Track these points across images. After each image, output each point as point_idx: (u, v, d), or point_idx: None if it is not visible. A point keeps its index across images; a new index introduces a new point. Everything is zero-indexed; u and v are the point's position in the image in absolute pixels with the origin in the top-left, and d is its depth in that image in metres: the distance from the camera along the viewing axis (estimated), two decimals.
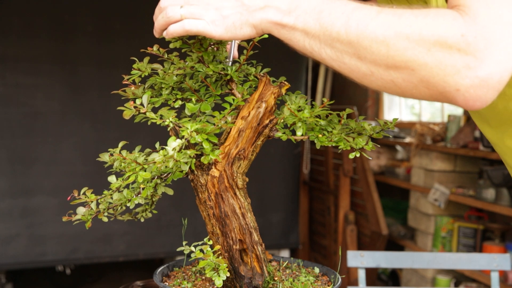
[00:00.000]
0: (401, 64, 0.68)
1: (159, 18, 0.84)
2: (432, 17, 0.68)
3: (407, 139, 3.88)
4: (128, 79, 0.95)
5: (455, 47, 0.66)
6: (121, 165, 0.90)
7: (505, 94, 0.86)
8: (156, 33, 0.87)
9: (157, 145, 0.89)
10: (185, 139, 0.82)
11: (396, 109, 4.47)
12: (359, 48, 0.71)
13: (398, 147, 4.18)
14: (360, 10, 0.71)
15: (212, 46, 0.93)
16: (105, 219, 0.95)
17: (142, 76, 0.95)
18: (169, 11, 0.81)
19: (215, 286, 0.87)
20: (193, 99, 0.96)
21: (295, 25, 0.76)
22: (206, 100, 0.97)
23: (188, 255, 0.97)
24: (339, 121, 0.98)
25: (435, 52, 0.66)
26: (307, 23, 0.75)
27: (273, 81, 0.95)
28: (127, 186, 0.93)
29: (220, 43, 0.94)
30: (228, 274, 0.88)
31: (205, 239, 0.93)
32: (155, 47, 0.93)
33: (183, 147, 0.85)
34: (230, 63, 0.97)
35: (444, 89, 0.67)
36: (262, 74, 0.93)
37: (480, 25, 0.65)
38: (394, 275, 3.95)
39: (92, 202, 0.92)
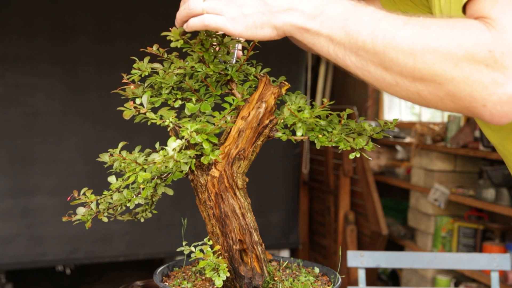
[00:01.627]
0: (427, 77, 0.68)
1: (181, 9, 0.83)
2: (459, 30, 0.67)
3: (407, 139, 3.88)
4: (128, 79, 0.95)
5: (483, 63, 0.65)
6: (121, 166, 0.90)
7: None
8: (177, 23, 0.86)
9: (157, 145, 0.89)
10: (185, 139, 0.82)
11: (396, 109, 4.47)
12: (385, 59, 0.70)
13: (398, 147, 4.18)
14: (387, 20, 0.70)
15: (214, 46, 0.93)
16: (105, 219, 0.95)
17: (142, 75, 0.95)
18: (191, 3, 0.81)
19: (215, 286, 0.87)
20: (193, 99, 0.96)
21: (319, 30, 0.75)
22: (206, 100, 0.97)
23: (188, 255, 0.97)
24: (339, 121, 0.98)
25: (463, 67, 0.66)
26: (332, 29, 0.74)
27: (273, 81, 0.95)
28: (127, 186, 0.93)
29: (222, 43, 0.93)
30: (228, 274, 0.88)
31: (205, 239, 0.93)
32: (154, 47, 0.93)
33: (183, 148, 0.84)
34: (234, 61, 0.97)
35: (471, 104, 0.67)
36: (262, 74, 0.93)
37: (507, 40, 0.65)
38: (394, 275, 3.95)
39: (92, 202, 0.92)
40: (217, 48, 0.94)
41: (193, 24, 0.82)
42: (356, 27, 0.72)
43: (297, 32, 0.77)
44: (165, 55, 0.94)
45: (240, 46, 0.99)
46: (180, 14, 0.84)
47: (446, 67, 0.66)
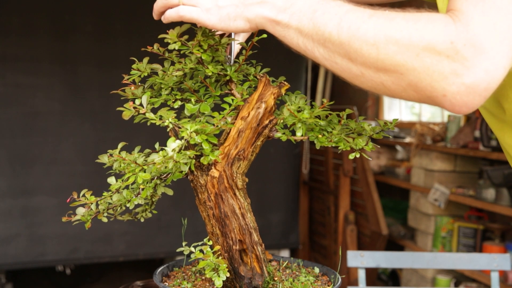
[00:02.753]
0: (390, 68, 0.70)
1: (158, 0, 0.85)
2: (423, 22, 0.68)
3: (407, 139, 3.88)
4: (127, 79, 0.95)
5: (443, 54, 0.66)
6: (120, 166, 0.90)
7: (508, 96, 0.86)
8: (154, 14, 0.89)
9: (156, 145, 0.89)
10: (185, 139, 0.82)
11: (396, 109, 4.47)
12: (350, 49, 0.72)
13: (398, 147, 4.18)
14: (353, 13, 0.72)
15: (212, 48, 0.93)
16: (105, 220, 0.95)
17: (142, 76, 0.95)
18: None
19: (215, 287, 0.87)
20: (193, 100, 0.96)
21: (289, 22, 0.77)
22: (206, 101, 0.97)
23: (188, 255, 0.97)
24: (339, 121, 0.98)
25: (424, 58, 0.67)
26: (301, 21, 0.76)
27: (273, 81, 0.95)
28: (126, 187, 0.93)
29: (220, 44, 0.93)
30: (228, 275, 0.88)
31: (205, 240, 0.93)
32: (155, 46, 0.93)
33: (183, 148, 0.85)
34: (232, 61, 0.97)
35: (432, 93, 0.69)
36: (261, 75, 0.93)
37: (471, 33, 0.66)
38: (394, 275, 3.95)
39: (91, 203, 0.92)
40: (215, 49, 0.94)
41: (169, 15, 0.85)
42: (323, 19, 0.74)
43: (269, 24, 0.79)
44: (166, 54, 0.94)
45: (236, 46, 0.99)
46: (157, 5, 0.86)
47: (408, 58, 0.68)
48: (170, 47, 0.89)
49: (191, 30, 0.89)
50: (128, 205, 0.92)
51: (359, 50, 0.71)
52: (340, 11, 0.73)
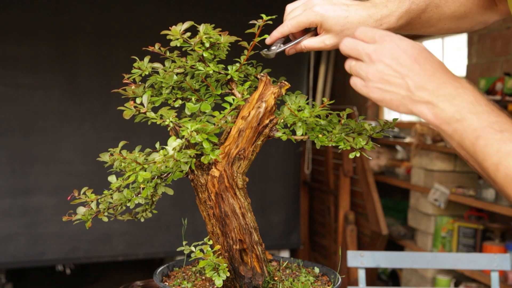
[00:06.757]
0: None
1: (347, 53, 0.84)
2: None
3: (407, 139, 3.88)
4: (128, 78, 0.95)
5: None
6: (121, 165, 0.89)
7: None
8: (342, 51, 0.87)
9: (157, 145, 0.89)
10: (185, 139, 0.82)
11: None
12: (502, 190, 0.72)
13: (398, 147, 4.18)
14: None
15: (214, 46, 0.93)
16: (105, 219, 0.95)
17: (143, 75, 0.95)
18: (346, 62, 0.83)
19: (215, 286, 0.87)
20: (193, 99, 0.96)
21: (451, 137, 0.76)
22: (206, 100, 0.97)
23: (188, 255, 0.97)
24: (339, 121, 0.98)
25: None
26: (463, 140, 0.75)
27: (273, 81, 0.95)
28: (127, 186, 0.93)
29: (221, 43, 0.93)
30: (228, 274, 0.88)
31: (205, 239, 0.93)
32: (156, 46, 0.92)
33: (183, 147, 0.84)
34: (276, 49, 0.97)
35: None
36: (262, 74, 0.93)
37: None
38: (394, 275, 3.95)
39: (92, 202, 0.92)
40: (217, 48, 0.94)
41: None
42: (483, 152, 0.73)
43: (432, 124, 0.78)
44: (168, 53, 0.94)
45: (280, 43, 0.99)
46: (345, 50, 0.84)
47: None
48: (172, 43, 0.89)
49: (193, 27, 0.89)
50: (128, 204, 0.92)
51: (509, 196, 0.71)
52: (502, 150, 0.71)
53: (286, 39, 0.99)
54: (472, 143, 0.73)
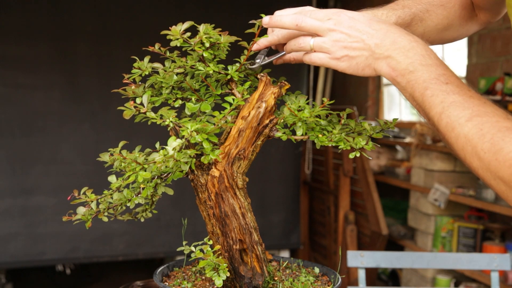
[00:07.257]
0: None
1: (292, 43, 0.91)
2: None
3: (407, 139, 3.88)
4: (128, 78, 0.94)
5: None
6: (121, 165, 0.89)
7: None
8: (286, 51, 0.94)
9: (157, 145, 0.89)
10: (185, 139, 0.82)
11: (396, 109, 4.47)
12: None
13: (398, 147, 4.18)
14: (455, 108, 0.74)
15: (214, 46, 0.93)
16: (105, 219, 0.95)
17: (143, 75, 0.95)
18: (301, 41, 0.89)
19: (215, 286, 0.87)
20: (193, 99, 0.96)
21: (405, 88, 0.81)
22: (206, 100, 0.97)
23: (188, 255, 0.97)
24: (339, 121, 0.97)
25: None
26: (414, 92, 0.79)
27: (274, 81, 0.95)
28: (127, 186, 0.93)
29: (221, 43, 0.93)
30: (228, 274, 0.88)
31: (205, 239, 0.93)
32: (156, 46, 0.92)
33: (183, 147, 0.84)
34: (261, 61, 0.97)
35: None
36: (262, 74, 0.93)
37: None
38: (394, 275, 3.94)
39: (92, 202, 0.92)
40: (217, 48, 0.94)
41: (299, 58, 0.93)
42: (429, 102, 0.77)
43: (389, 78, 0.84)
44: (168, 53, 0.94)
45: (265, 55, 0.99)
46: (290, 47, 0.91)
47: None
48: (172, 43, 0.89)
49: (193, 27, 0.89)
50: (128, 204, 0.92)
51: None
52: (446, 100, 0.75)
53: (270, 50, 0.99)
54: (421, 93, 0.78)
